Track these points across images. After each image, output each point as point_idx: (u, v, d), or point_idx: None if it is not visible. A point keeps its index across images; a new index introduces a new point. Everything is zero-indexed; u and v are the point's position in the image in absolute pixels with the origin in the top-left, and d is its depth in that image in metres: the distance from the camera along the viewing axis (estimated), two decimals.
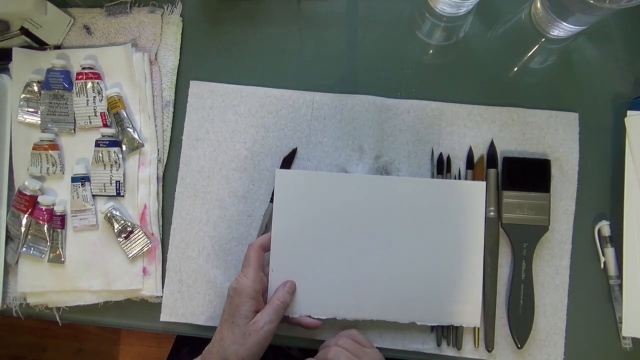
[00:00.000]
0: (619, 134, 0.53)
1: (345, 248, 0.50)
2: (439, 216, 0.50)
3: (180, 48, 0.57)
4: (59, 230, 0.54)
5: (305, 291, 0.49)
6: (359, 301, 0.49)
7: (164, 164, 0.56)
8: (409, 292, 0.49)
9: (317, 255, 0.50)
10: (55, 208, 0.54)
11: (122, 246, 0.53)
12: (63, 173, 0.55)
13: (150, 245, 0.53)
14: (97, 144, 0.54)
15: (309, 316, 0.49)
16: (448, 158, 0.53)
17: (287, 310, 0.49)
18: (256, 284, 0.46)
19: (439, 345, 0.51)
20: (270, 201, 0.54)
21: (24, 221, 0.54)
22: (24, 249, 0.54)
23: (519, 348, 0.50)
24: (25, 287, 0.54)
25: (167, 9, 0.58)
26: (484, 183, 0.51)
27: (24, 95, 0.56)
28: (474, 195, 0.50)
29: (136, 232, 0.53)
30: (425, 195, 0.50)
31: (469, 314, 0.50)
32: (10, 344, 1.28)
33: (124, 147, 0.54)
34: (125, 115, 0.54)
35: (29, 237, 0.54)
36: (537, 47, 0.56)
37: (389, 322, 0.50)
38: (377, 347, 0.52)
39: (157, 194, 0.55)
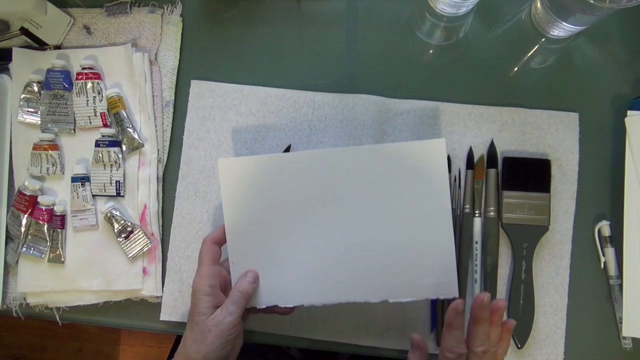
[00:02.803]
0: (619, 134, 0.53)
1: (304, 230, 0.46)
2: (398, 183, 0.46)
3: (180, 48, 0.57)
4: (59, 230, 0.54)
5: (269, 280, 0.47)
6: (327, 284, 0.46)
7: (164, 164, 0.56)
8: (377, 269, 0.46)
9: (277, 241, 0.47)
10: (55, 208, 0.54)
11: (122, 246, 0.53)
12: (63, 173, 0.55)
13: (150, 245, 0.53)
14: (97, 144, 0.54)
15: (276, 305, 0.47)
16: (448, 158, 0.53)
17: (253, 301, 0.47)
18: (211, 280, 0.44)
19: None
20: None
21: (24, 221, 0.54)
22: (24, 249, 0.54)
23: (519, 348, 0.50)
24: (25, 287, 0.54)
25: (167, 9, 0.57)
26: (443, 140, 0.45)
27: (24, 95, 0.56)
28: (434, 155, 0.45)
29: (136, 232, 0.53)
30: (381, 163, 0.46)
31: (445, 285, 0.45)
32: (10, 344, 1.28)
33: (124, 147, 0.54)
34: (125, 115, 0.54)
35: (29, 237, 0.54)
36: (537, 47, 0.56)
37: (380, 318, 0.49)
38: (377, 347, 0.52)
39: (157, 194, 0.55)
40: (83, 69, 0.55)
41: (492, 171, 0.52)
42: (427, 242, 0.45)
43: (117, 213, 0.53)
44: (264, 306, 0.47)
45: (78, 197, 0.54)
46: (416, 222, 0.46)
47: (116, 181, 0.54)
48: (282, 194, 0.47)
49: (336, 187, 0.46)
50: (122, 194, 0.54)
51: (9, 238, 0.55)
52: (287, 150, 0.54)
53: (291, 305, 0.47)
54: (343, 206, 0.46)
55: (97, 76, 0.55)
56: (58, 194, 0.55)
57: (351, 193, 0.46)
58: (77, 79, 0.55)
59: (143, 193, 0.54)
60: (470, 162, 0.53)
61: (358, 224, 0.46)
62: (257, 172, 0.47)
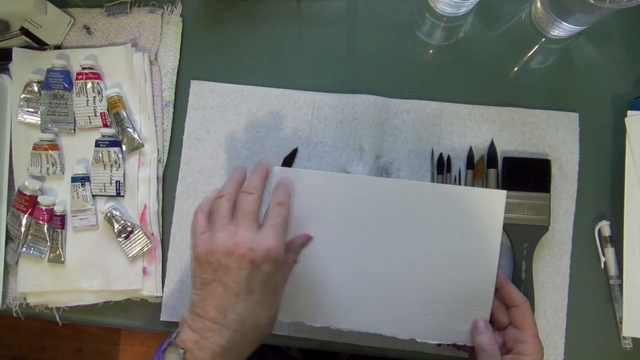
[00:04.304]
0: (619, 134, 0.53)
1: (346, 254, 0.46)
2: (451, 225, 0.45)
3: (180, 48, 0.57)
4: (59, 230, 0.54)
5: (299, 296, 0.47)
6: (358, 312, 0.46)
7: (164, 164, 0.56)
8: (412, 306, 0.46)
9: (317, 258, 0.47)
10: (55, 208, 0.54)
11: (122, 246, 0.53)
12: (63, 173, 0.55)
13: (150, 245, 0.53)
14: (97, 144, 0.54)
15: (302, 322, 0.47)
16: (448, 158, 0.53)
17: (280, 315, 0.45)
18: None
19: (439, 345, 0.51)
20: None
21: (24, 221, 0.54)
22: (24, 249, 0.54)
23: None
24: (25, 287, 0.54)
25: (167, 9, 0.57)
26: (504, 192, 0.45)
27: (24, 95, 0.56)
28: (492, 205, 0.45)
29: (136, 232, 0.53)
30: (438, 203, 0.45)
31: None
32: (10, 344, 1.28)
33: (124, 147, 0.54)
34: (125, 115, 0.54)
35: (29, 237, 0.54)
36: (537, 47, 0.56)
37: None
38: (377, 348, 0.52)
39: (157, 194, 0.55)
40: (83, 69, 0.55)
41: (492, 171, 0.52)
42: (467, 289, 0.45)
43: (117, 213, 0.53)
44: (289, 320, 0.47)
45: (78, 197, 0.54)
46: (461, 267, 0.46)
47: (116, 181, 0.54)
48: (332, 213, 0.46)
49: (387, 218, 0.46)
50: (122, 194, 0.54)
51: (9, 238, 0.55)
52: (294, 153, 0.54)
53: (317, 325, 0.46)
54: (390, 238, 0.46)
55: (97, 76, 0.55)
56: (58, 194, 0.55)
57: (401, 226, 0.46)
58: (77, 79, 0.55)
59: (143, 193, 0.54)
60: (470, 162, 0.53)
61: (403, 258, 0.46)
62: (311, 186, 0.46)
